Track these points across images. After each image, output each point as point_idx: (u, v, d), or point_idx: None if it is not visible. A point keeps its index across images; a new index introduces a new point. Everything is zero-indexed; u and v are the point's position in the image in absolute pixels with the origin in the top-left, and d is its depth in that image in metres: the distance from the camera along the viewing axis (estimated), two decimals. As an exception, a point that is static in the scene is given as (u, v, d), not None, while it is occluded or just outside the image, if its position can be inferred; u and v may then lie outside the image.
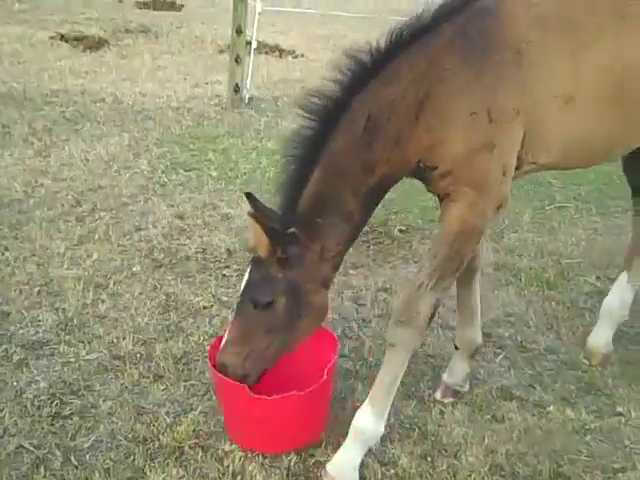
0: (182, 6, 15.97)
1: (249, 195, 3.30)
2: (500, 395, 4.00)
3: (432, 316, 3.28)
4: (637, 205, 4.26)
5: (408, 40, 3.19)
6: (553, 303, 4.94)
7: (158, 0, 15.65)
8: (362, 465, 3.38)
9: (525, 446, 3.62)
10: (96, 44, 11.82)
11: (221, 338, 3.49)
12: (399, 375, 3.33)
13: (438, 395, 3.96)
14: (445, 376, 3.98)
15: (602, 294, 4.60)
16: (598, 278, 5.31)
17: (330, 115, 3.21)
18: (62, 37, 11.99)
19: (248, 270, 3.34)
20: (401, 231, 5.89)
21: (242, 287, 3.36)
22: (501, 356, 4.37)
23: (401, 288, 4.87)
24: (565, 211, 6.55)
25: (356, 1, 14.99)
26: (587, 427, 3.78)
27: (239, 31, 9.08)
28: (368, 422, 3.31)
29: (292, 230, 3.19)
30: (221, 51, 11.85)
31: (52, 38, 11.93)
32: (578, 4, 3.37)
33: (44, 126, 8.01)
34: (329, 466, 3.33)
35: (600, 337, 4.32)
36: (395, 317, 3.34)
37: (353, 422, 3.34)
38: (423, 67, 3.15)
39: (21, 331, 4.34)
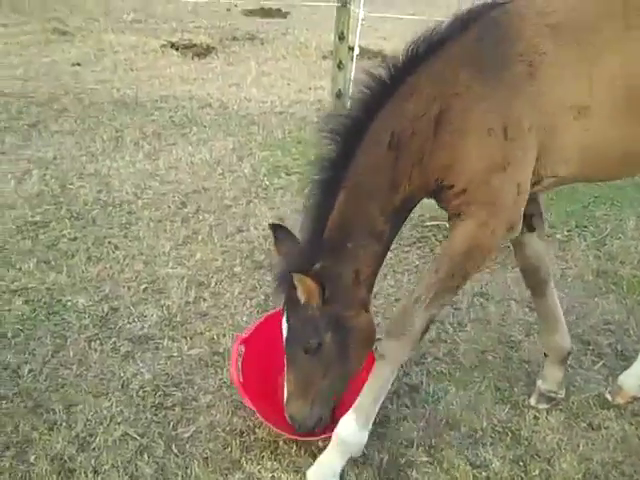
0: (287, 13, 16.21)
1: (275, 226, 3.37)
2: (597, 403, 3.95)
3: (425, 331, 3.22)
4: None
5: (424, 54, 3.15)
6: (656, 312, 4.82)
7: (264, 7, 15.95)
8: (453, 466, 3.42)
9: (622, 455, 3.57)
10: (204, 51, 12.18)
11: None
12: (386, 387, 3.27)
13: (533, 401, 3.93)
14: (539, 382, 3.95)
15: None
16: None
17: (352, 135, 3.16)
18: (172, 45, 12.40)
19: (284, 317, 3.32)
20: (500, 236, 5.82)
21: (284, 336, 3.33)
22: (599, 364, 4.30)
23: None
24: (673, 218, 6.33)
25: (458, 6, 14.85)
26: (688, 439, 3.68)
27: (341, 37, 9.15)
28: (350, 431, 3.25)
29: (317, 266, 3.17)
30: (324, 57, 11.98)
31: (163, 46, 12.35)
32: (591, 13, 3.20)
33: (154, 130, 8.32)
34: (309, 472, 3.32)
35: (637, 377, 3.97)
36: (388, 328, 3.29)
37: (336, 430, 3.29)
38: (440, 81, 3.08)
39: (128, 326, 4.57)
